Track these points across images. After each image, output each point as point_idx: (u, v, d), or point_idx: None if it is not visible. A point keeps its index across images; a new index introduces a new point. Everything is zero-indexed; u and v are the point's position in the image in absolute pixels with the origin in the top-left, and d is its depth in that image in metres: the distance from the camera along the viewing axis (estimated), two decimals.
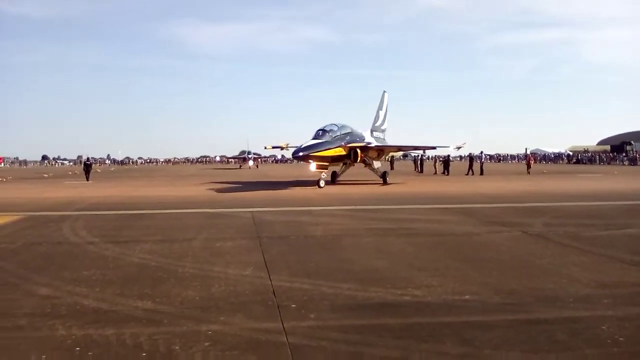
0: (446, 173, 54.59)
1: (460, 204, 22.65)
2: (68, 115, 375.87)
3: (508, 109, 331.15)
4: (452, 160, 66.14)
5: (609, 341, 6.01)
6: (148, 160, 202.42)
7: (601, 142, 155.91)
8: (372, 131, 42.86)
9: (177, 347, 5.93)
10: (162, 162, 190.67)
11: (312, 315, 7.05)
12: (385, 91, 47.42)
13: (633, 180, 40.83)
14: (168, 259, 11.03)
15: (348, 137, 35.97)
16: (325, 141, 34.18)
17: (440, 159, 62.90)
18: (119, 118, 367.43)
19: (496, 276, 9.25)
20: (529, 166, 58.15)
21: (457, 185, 37.89)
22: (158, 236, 14.16)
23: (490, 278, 9.11)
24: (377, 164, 40.62)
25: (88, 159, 59.39)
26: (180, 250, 11.98)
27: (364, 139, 38.40)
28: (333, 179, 40.02)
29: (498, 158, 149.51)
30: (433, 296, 7.98)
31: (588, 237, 13.38)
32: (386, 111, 47.20)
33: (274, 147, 48.16)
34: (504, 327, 6.54)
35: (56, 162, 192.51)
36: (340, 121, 36.54)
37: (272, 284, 8.78)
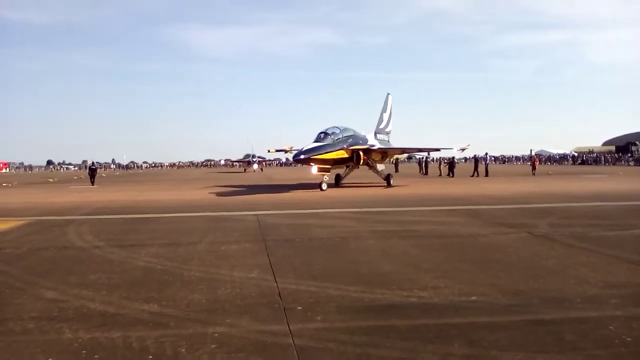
0: (451, 175, 54.50)
1: (466, 205, 22.60)
2: (73, 120, 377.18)
3: (512, 111, 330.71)
4: (457, 162, 65.90)
5: (616, 341, 5.99)
6: (153, 165, 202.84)
7: (606, 143, 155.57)
8: (376, 133, 42.83)
9: (184, 350, 5.93)
10: (167, 166, 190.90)
11: (318, 317, 7.04)
12: (389, 93, 47.52)
13: (638, 181, 40.70)
14: (174, 262, 11.04)
15: (350, 140, 35.91)
16: (327, 144, 34.08)
17: (445, 161, 62.85)
18: (124, 122, 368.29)
19: (503, 277, 9.23)
20: (534, 167, 57.97)
21: (462, 186, 37.81)
22: (164, 240, 14.18)
23: (497, 279, 9.09)
24: (381, 167, 40.50)
25: (93, 163, 59.30)
26: (185, 254, 11.99)
27: (366, 142, 38.31)
28: (337, 182, 39.95)
29: (503, 159, 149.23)
30: (439, 297, 7.97)
31: (594, 238, 13.33)
32: (390, 113, 47.14)
33: (277, 151, 48.17)
34: (511, 328, 6.53)
35: (61, 167, 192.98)
36: (342, 124, 36.53)
37: (278, 286, 8.78)
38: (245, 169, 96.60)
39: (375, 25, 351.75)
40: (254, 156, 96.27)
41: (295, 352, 5.82)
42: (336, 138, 34.81)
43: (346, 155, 35.54)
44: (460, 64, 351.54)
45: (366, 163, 37.90)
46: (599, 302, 7.62)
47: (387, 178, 38.59)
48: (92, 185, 48.88)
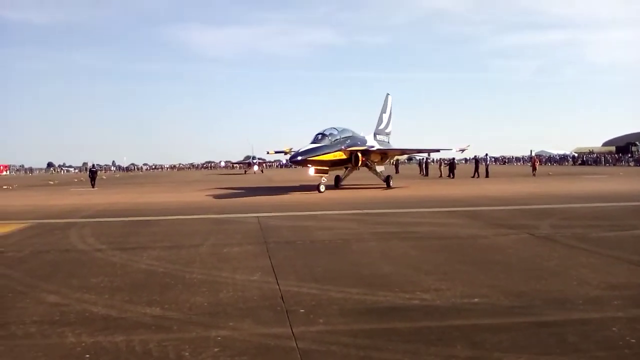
0: (451, 176, 54.47)
1: (466, 206, 22.59)
2: (73, 122, 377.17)
3: (512, 111, 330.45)
4: (458, 163, 65.89)
5: (620, 343, 5.99)
6: (153, 167, 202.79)
7: (606, 143, 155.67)
8: (375, 134, 42.67)
9: (187, 354, 5.93)
10: (167, 168, 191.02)
11: (321, 320, 7.05)
12: (388, 94, 47.28)
13: (639, 181, 40.68)
14: (176, 265, 11.05)
15: (349, 141, 35.69)
16: (324, 145, 33.78)
17: (445, 161, 62.80)
18: (124, 124, 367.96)
19: (504, 279, 9.24)
20: (534, 168, 57.97)
21: (462, 188, 37.82)
22: (165, 242, 14.18)
23: (499, 281, 9.09)
24: (380, 168, 40.34)
25: (93, 165, 59.34)
26: (187, 257, 12.00)
27: (365, 143, 38.14)
28: (336, 183, 39.87)
29: (503, 160, 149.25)
30: (442, 299, 7.97)
31: (595, 239, 13.34)
32: (390, 114, 46.93)
33: (276, 152, 48.07)
34: (513, 329, 6.53)
35: (61, 169, 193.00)
36: (341, 125, 36.32)
37: (280, 289, 8.79)
38: (245, 171, 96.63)
39: (375, 25, 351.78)
40: (254, 158, 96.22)
41: (299, 355, 5.83)
42: (334, 139, 34.55)
43: (344, 157, 35.30)
44: (460, 64, 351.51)
45: (365, 164, 37.76)
46: (600, 303, 7.63)
47: (387, 179, 38.40)
48: (93, 187, 48.86)
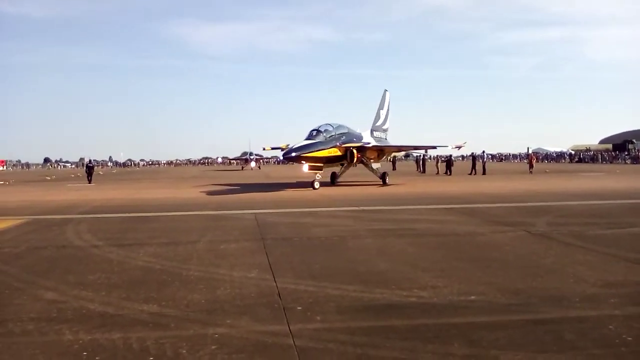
0: (448, 173, 54.51)
1: (463, 204, 22.62)
2: (70, 117, 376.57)
3: (510, 108, 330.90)
4: (455, 160, 65.96)
5: (616, 341, 6.01)
6: (150, 162, 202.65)
7: (603, 141, 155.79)
8: (372, 131, 42.52)
9: (184, 351, 5.93)
10: (164, 163, 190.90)
11: (318, 317, 7.05)
12: (386, 90, 46.78)
13: (635, 179, 40.76)
14: (173, 261, 11.04)
15: (344, 137, 35.50)
16: (318, 142, 33.69)
17: (442, 159, 62.77)
18: (121, 120, 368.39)
19: (501, 276, 9.25)
20: (531, 165, 58.04)
21: (459, 185, 37.87)
22: (162, 239, 14.18)
23: (496, 278, 9.11)
24: (376, 165, 40.24)
25: (90, 161, 59.31)
26: (184, 253, 11.99)
27: (361, 139, 37.99)
28: (332, 180, 39.78)
29: (500, 157, 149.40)
30: (439, 297, 7.99)
31: (592, 236, 13.37)
32: (388, 110, 46.58)
33: (273, 149, 47.77)
34: (510, 327, 6.54)
35: (58, 164, 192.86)
36: (336, 121, 36.22)
37: (277, 286, 8.79)
38: (242, 167, 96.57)
39: (373, 22, 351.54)
40: (251, 154, 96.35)
41: (296, 353, 5.83)
42: (329, 135, 34.41)
43: (339, 153, 35.15)
44: (459, 61, 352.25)
45: (360, 161, 37.65)
46: (597, 301, 7.64)
47: (383, 176, 38.37)
48: (90, 183, 48.84)
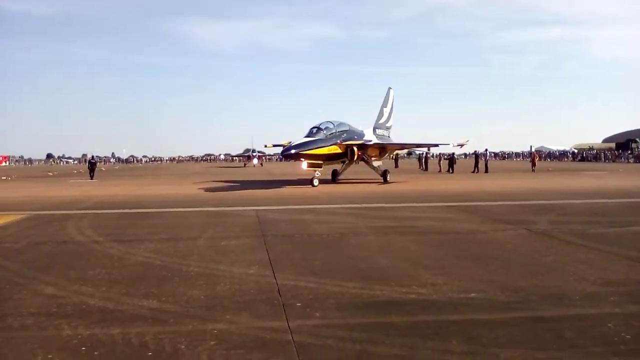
0: (451, 171, 54.47)
1: (465, 201, 22.59)
2: (72, 113, 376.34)
3: (513, 106, 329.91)
4: (458, 158, 65.88)
5: (615, 339, 5.99)
6: (153, 159, 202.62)
7: (606, 140, 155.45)
8: (375, 129, 42.38)
9: (183, 347, 5.93)
10: (166, 160, 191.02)
11: (317, 314, 7.05)
12: (390, 87, 46.74)
13: (638, 178, 40.69)
14: (173, 257, 11.04)
15: (345, 135, 35.36)
16: (318, 139, 33.53)
17: (445, 156, 62.71)
18: (124, 116, 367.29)
19: (502, 274, 9.24)
20: (533, 164, 57.94)
21: (461, 183, 37.83)
22: (163, 235, 14.18)
23: (496, 276, 9.10)
24: (377, 163, 40.06)
25: (93, 157, 59.33)
26: (185, 249, 12.00)
27: (363, 137, 37.82)
28: (334, 178, 39.60)
29: (503, 156, 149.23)
30: (438, 294, 7.97)
31: (594, 235, 13.34)
32: (392, 108, 46.41)
33: (275, 146, 47.58)
34: (510, 325, 6.53)
35: (61, 160, 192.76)
36: (338, 118, 36.10)
37: (277, 282, 8.78)
38: (245, 164, 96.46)
39: (376, 19, 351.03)
40: (253, 151, 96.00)
41: (295, 349, 5.82)
42: (329, 133, 34.27)
43: (339, 151, 34.94)
44: (461, 58, 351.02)
45: (362, 159, 37.50)
46: (597, 299, 7.63)
47: (384, 174, 38.23)
48: (92, 179, 48.90)
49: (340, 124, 35.68)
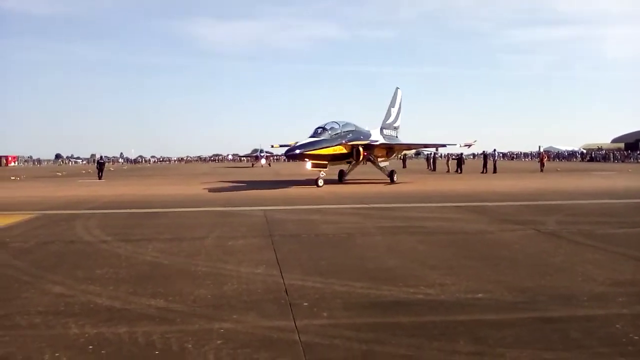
0: (459, 171, 54.35)
1: (473, 202, 22.53)
2: (81, 113, 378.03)
3: (521, 107, 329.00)
4: (466, 159, 65.77)
5: (623, 340, 5.96)
6: (161, 159, 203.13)
7: (615, 140, 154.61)
8: (382, 129, 42.24)
9: (190, 346, 5.94)
10: (175, 160, 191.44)
11: (324, 314, 7.04)
12: (398, 88, 46.67)
13: None
14: (180, 257, 11.07)
15: (350, 135, 35.18)
16: (323, 139, 33.39)
17: (453, 157, 62.57)
18: (132, 117, 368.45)
19: (510, 274, 9.21)
20: (542, 164, 57.75)
21: (469, 183, 37.73)
22: (170, 234, 14.21)
23: (504, 276, 9.07)
24: (384, 163, 39.87)
25: (101, 157, 59.53)
26: (192, 249, 12.02)
27: (369, 137, 37.68)
28: (340, 178, 39.50)
29: (511, 156, 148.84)
30: (446, 294, 7.95)
31: (602, 235, 13.28)
32: (399, 108, 46.25)
33: (281, 146, 47.55)
34: (517, 325, 6.51)
35: (69, 160, 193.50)
36: (343, 119, 35.95)
37: (284, 282, 8.78)
38: (253, 164, 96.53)
39: (380, 19, 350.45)
40: (261, 151, 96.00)
41: (301, 348, 5.82)
42: (334, 133, 34.09)
43: (345, 151, 34.74)
44: (469, 58, 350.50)
45: (368, 159, 37.40)
46: (605, 300, 7.59)
47: (391, 174, 38.01)
48: (100, 179, 49.07)
49: (346, 124, 35.53)
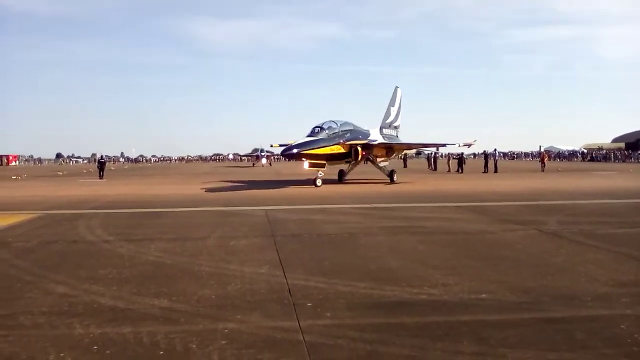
0: (460, 171, 54.30)
1: (474, 202, 22.54)
2: (82, 113, 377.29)
3: (522, 106, 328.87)
4: (467, 158, 65.75)
5: (628, 340, 5.97)
6: (162, 158, 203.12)
7: (616, 140, 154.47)
8: (381, 128, 42.16)
9: (194, 346, 5.95)
10: (175, 160, 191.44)
11: (328, 314, 7.06)
12: (397, 86, 46.47)
13: None
14: (183, 257, 11.09)
15: (348, 134, 35.04)
16: (320, 139, 33.25)
17: (454, 156, 62.54)
18: (133, 116, 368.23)
19: (512, 274, 9.22)
20: (543, 164, 57.75)
21: (470, 183, 37.72)
22: (173, 234, 14.23)
23: (506, 276, 9.08)
24: (383, 163, 39.73)
25: (102, 156, 59.43)
26: (195, 249, 12.03)
27: (368, 137, 37.51)
28: (340, 178, 39.30)
29: (512, 156, 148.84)
30: (449, 295, 7.97)
31: (603, 235, 13.29)
32: (399, 107, 46.07)
33: (281, 145, 47.55)
34: (520, 325, 6.52)
35: (70, 160, 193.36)
36: (344, 118, 35.87)
37: (287, 282, 8.79)
38: (253, 164, 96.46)
39: (381, 19, 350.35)
40: (262, 150, 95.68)
41: (306, 349, 5.83)
42: (332, 132, 33.95)
43: (343, 151, 34.55)
44: (469, 58, 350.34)
45: (367, 158, 37.33)
46: (609, 300, 7.60)
47: (390, 174, 37.81)
48: (101, 178, 49.08)
49: (344, 123, 35.41)
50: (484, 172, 52.84)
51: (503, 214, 18.08)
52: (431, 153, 68.94)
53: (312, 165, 33.31)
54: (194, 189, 34.13)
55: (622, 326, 6.41)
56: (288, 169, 73.99)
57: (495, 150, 64.51)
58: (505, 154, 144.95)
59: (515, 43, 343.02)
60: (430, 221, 16.72)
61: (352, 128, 35.92)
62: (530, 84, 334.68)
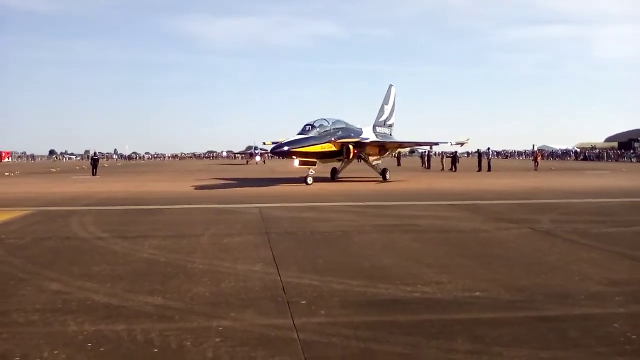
0: (454, 169, 54.41)
1: (467, 200, 22.56)
2: (75, 110, 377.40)
3: (515, 105, 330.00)
4: (460, 157, 65.84)
5: (621, 339, 6.00)
6: (155, 156, 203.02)
7: (608, 139, 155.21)
8: (375, 126, 42.18)
9: (188, 343, 5.95)
10: (169, 157, 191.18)
11: (322, 312, 7.06)
12: (391, 84, 46.41)
13: None
14: (177, 254, 11.06)
15: (340, 133, 35.01)
16: (311, 136, 33.17)
17: (447, 155, 62.62)
18: (126, 113, 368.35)
19: (505, 273, 9.25)
20: (536, 163, 57.93)
21: (463, 181, 37.78)
22: (166, 231, 14.20)
23: (500, 275, 9.10)
24: (376, 161, 39.54)
25: (95, 153, 59.28)
26: (189, 246, 12.01)
27: (360, 135, 37.49)
28: (333, 176, 39.11)
29: (505, 154, 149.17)
30: (443, 293, 7.98)
31: (596, 234, 13.34)
32: (393, 105, 46.07)
33: (273, 143, 47.47)
34: (514, 324, 6.54)
35: (63, 156, 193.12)
36: (341, 116, 35.88)
37: (281, 280, 8.79)
38: (247, 161, 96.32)
39: (379, 17, 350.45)
40: (256, 148, 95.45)
41: (300, 346, 5.83)
42: (323, 130, 33.88)
43: (334, 149, 34.47)
44: (463, 57, 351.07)
45: (359, 157, 37.27)
46: (602, 299, 7.63)
47: (383, 172, 37.65)
48: (94, 175, 48.93)
49: (336, 121, 35.38)
50: (478, 170, 52.93)
51: (496, 212, 18.12)
52: (425, 152, 68.97)
53: (302, 163, 33.27)
54: (187, 186, 34.04)
55: (615, 325, 6.44)
56: (282, 166, 73.86)
57: (488, 149, 64.62)
58: (498, 153, 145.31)
59: (510, 41, 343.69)
60: (423, 219, 16.73)
61: (344, 126, 35.90)
62: (525, 83, 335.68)
